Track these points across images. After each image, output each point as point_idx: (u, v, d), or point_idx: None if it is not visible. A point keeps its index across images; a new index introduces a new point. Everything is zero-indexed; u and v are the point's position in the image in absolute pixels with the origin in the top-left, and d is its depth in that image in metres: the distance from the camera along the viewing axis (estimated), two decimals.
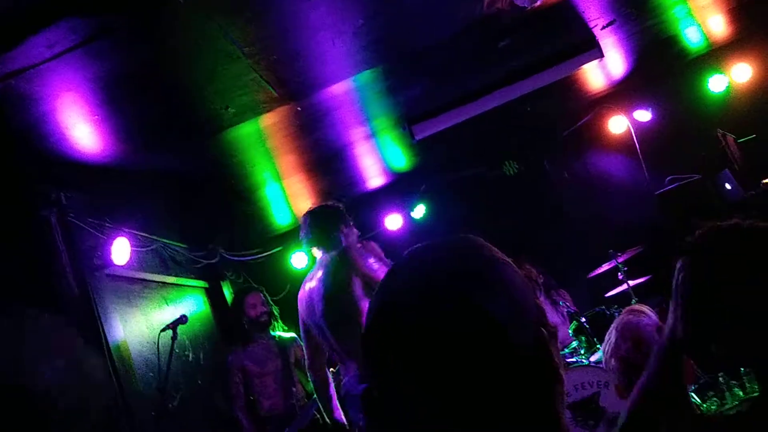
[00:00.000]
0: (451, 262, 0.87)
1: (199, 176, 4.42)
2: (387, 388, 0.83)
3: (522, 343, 0.82)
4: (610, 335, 2.27)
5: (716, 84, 5.77)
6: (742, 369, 3.84)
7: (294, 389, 4.74)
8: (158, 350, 4.02)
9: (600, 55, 4.75)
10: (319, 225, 3.84)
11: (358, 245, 3.75)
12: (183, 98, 3.40)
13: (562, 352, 4.71)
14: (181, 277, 5.03)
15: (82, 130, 3.37)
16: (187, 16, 2.73)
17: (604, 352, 2.31)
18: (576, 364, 4.33)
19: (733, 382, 4.13)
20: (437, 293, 0.82)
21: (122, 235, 3.98)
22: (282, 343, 4.81)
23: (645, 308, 2.40)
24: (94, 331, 3.66)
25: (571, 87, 5.47)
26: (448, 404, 0.79)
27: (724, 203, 5.37)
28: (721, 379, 4.17)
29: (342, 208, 3.96)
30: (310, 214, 3.90)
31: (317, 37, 3.29)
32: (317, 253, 3.86)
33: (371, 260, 3.64)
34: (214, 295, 5.48)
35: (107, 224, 4.07)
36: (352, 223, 3.90)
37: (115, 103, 3.22)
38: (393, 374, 0.82)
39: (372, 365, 0.85)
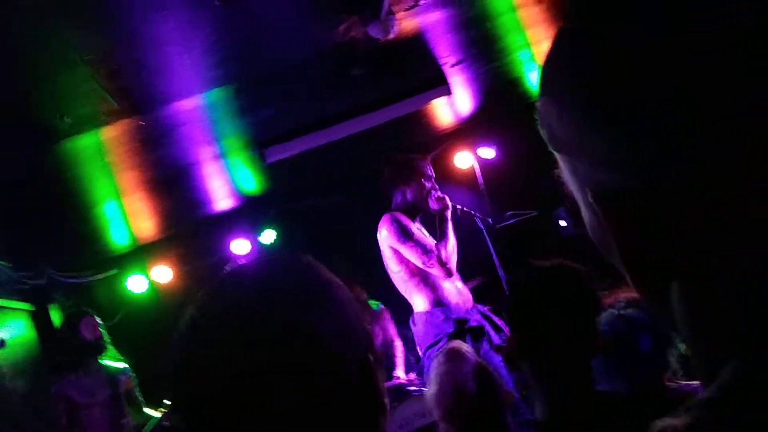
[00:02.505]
0: (279, 280, 0.83)
1: (28, 189, 4.08)
2: (198, 410, 0.77)
3: (348, 366, 0.79)
4: (432, 384, 2.30)
5: None
6: None
7: (123, 421, 4.48)
8: None
9: (448, 92, 4.92)
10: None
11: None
12: (13, 103, 3.12)
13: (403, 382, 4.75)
14: (2, 298, 4.61)
15: None
16: (20, 13, 2.52)
17: (428, 396, 2.34)
18: (416, 393, 4.38)
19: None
20: (263, 309, 0.78)
21: None
22: (112, 373, 4.52)
23: (464, 348, 2.46)
24: None
25: (421, 121, 5.62)
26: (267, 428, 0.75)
27: (559, 239, 5.69)
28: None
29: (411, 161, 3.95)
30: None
31: (165, 50, 3.15)
32: None
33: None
34: (40, 318, 5.06)
35: None
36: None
37: None
38: (207, 391, 0.76)
39: (183, 389, 0.79)
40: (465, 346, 2.44)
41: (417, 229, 3.83)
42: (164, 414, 4.45)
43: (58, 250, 5.23)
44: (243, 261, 0.89)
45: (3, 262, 4.71)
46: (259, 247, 5.96)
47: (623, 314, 2.05)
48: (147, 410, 4.71)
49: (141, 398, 4.73)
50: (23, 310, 4.93)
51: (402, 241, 3.70)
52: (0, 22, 2.57)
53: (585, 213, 0.58)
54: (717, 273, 0.49)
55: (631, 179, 0.50)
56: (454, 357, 2.34)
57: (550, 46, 0.57)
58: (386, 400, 0.85)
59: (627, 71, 0.49)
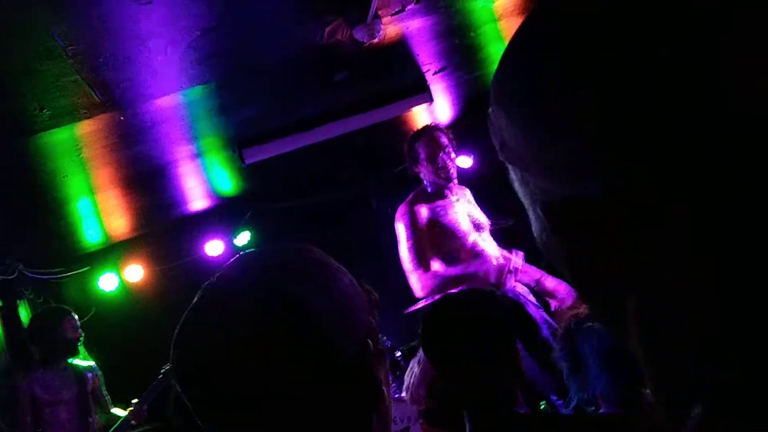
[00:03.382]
0: (284, 262, 0.84)
1: (1, 182, 4.01)
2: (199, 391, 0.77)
3: (345, 350, 0.79)
4: (413, 368, 2.31)
5: None
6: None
7: (90, 420, 4.41)
8: None
9: (430, 99, 4.94)
10: None
11: None
12: None
13: None
14: None
15: None
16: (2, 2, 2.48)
17: (408, 385, 2.35)
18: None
19: None
20: (263, 289, 0.79)
21: None
22: (79, 371, 4.45)
23: None
24: None
25: (401, 128, 5.63)
26: (260, 412, 0.75)
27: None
28: None
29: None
30: None
31: (149, 45, 3.12)
32: None
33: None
34: (7, 314, 4.96)
35: None
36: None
37: None
38: (204, 372, 0.76)
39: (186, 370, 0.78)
40: None
41: (429, 218, 3.78)
42: (131, 412, 4.39)
43: (28, 246, 5.15)
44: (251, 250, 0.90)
45: None
46: (233, 249, 5.91)
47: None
48: (114, 410, 4.65)
49: (108, 397, 4.67)
50: None
51: (402, 239, 3.72)
52: None
53: (534, 226, 0.57)
54: (671, 290, 0.46)
55: (583, 191, 0.48)
56: None
57: (502, 55, 0.56)
58: (386, 390, 0.85)
59: (579, 80, 0.47)
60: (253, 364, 0.75)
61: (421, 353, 2.29)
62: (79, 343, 4.46)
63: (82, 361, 4.55)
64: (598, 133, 0.46)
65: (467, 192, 4.06)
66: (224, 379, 0.75)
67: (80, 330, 4.50)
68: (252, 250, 0.91)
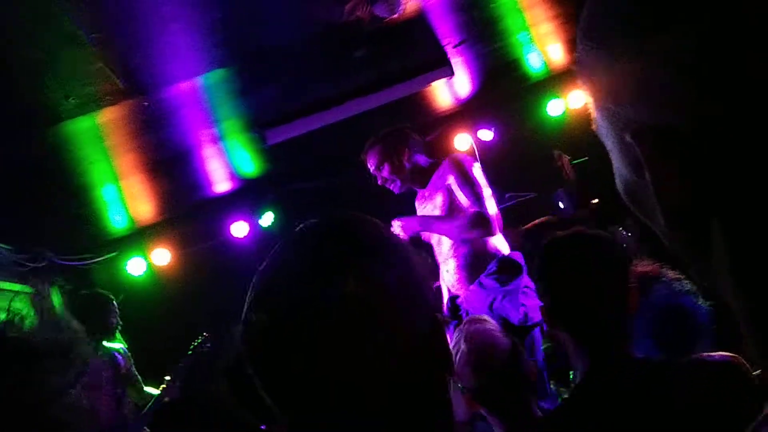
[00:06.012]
0: (344, 237, 0.83)
1: (29, 171, 4.05)
2: (268, 366, 0.77)
3: (417, 321, 0.79)
4: (459, 345, 2.29)
5: (554, 108, 6.12)
6: (571, 375, 4.06)
7: (124, 400, 4.52)
8: None
9: (451, 73, 4.90)
10: None
11: None
12: (17, 82, 3.09)
13: None
14: (2, 281, 4.60)
15: None
16: None
17: (456, 364, 2.33)
18: None
19: (562, 387, 4.35)
20: (327, 264, 0.78)
21: None
22: (111, 353, 4.54)
23: (483, 316, 2.48)
24: None
25: (421, 103, 5.61)
26: (333, 385, 0.75)
27: (559, 219, 5.70)
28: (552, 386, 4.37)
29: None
30: None
31: (169, 29, 3.12)
32: None
33: None
34: (40, 301, 5.04)
35: None
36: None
37: None
38: (277, 351, 0.76)
39: (254, 343, 0.79)
40: (483, 315, 2.45)
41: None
42: (164, 389, 4.48)
43: (57, 233, 5.21)
44: (306, 223, 0.88)
45: (3, 245, 4.68)
46: (258, 230, 5.94)
47: (676, 285, 2.06)
48: (147, 389, 4.75)
49: (139, 377, 4.77)
50: (24, 292, 4.92)
51: (471, 180, 3.84)
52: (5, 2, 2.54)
53: (617, 162, 0.58)
54: (762, 220, 0.48)
55: (677, 119, 0.49)
56: (478, 320, 2.35)
57: None
58: (453, 360, 0.85)
59: (678, 11, 0.48)
60: (330, 346, 0.74)
61: (467, 329, 2.27)
62: (116, 329, 4.56)
63: (112, 344, 4.64)
64: (691, 64, 0.47)
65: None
66: (300, 360, 0.75)
67: (119, 317, 4.61)
68: (311, 221, 0.88)
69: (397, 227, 3.82)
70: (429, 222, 3.82)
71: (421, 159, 4.02)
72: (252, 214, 5.95)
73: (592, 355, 1.62)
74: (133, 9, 2.87)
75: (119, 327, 4.65)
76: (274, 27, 3.53)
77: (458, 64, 4.97)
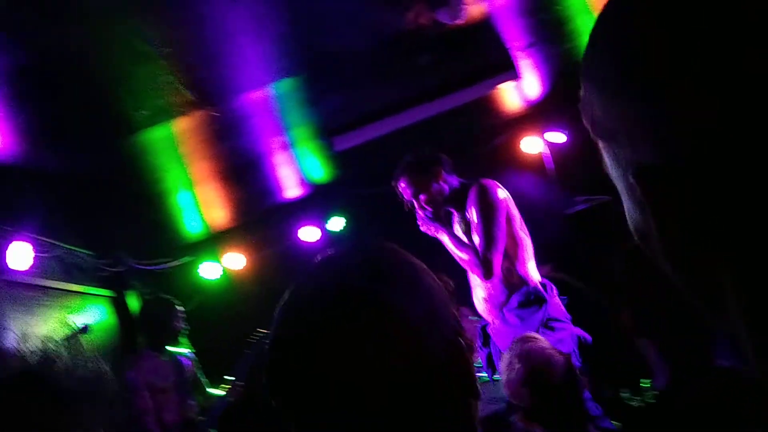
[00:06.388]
0: (364, 264, 0.84)
1: (107, 180, 4.23)
2: (292, 394, 0.79)
3: (436, 347, 0.79)
4: (513, 365, 2.26)
5: None
6: (642, 382, 3.96)
7: (190, 403, 4.62)
8: None
9: (517, 76, 4.85)
10: None
11: None
12: (92, 97, 3.24)
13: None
14: (84, 285, 4.80)
15: None
16: (96, 12, 2.60)
17: (507, 382, 2.29)
18: (484, 378, 4.37)
19: (632, 394, 4.23)
20: (348, 293, 0.80)
21: (21, 239, 3.75)
22: (176, 358, 4.65)
23: (534, 334, 2.44)
24: None
25: (488, 106, 5.57)
26: (355, 415, 0.76)
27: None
28: (626, 395, 4.26)
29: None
30: None
31: (237, 42, 3.21)
32: None
33: None
34: (119, 304, 5.25)
35: (6, 228, 3.84)
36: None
37: (16, 98, 3.04)
38: (299, 379, 0.78)
39: (276, 372, 0.81)
40: (532, 333, 2.43)
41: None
42: (228, 390, 4.55)
43: (135, 239, 5.41)
44: (333, 250, 0.91)
45: (85, 250, 4.89)
46: (327, 235, 6.02)
47: None
48: (210, 390, 4.82)
49: (205, 380, 4.85)
50: (104, 296, 5.12)
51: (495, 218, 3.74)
52: (79, 22, 2.66)
53: (626, 203, 0.56)
54: None
55: (677, 156, 0.47)
56: (531, 338, 2.33)
57: (591, 32, 0.56)
58: (477, 385, 0.85)
59: (674, 39, 0.46)
60: (343, 368, 0.76)
61: (520, 348, 2.25)
62: (182, 334, 4.67)
63: (178, 348, 4.74)
64: (686, 96, 0.45)
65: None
66: (312, 384, 0.77)
67: (185, 322, 4.72)
68: (336, 250, 0.91)
69: (422, 220, 3.81)
70: (451, 241, 3.77)
71: (455, 181, 3.95)
72: (321, 219, 6.03)
73: (676, 365, 1.58)
74: (202, 24, 2.96)
75: (186, 331, 4.75)
76: (339, 35, 3.58)
77: (526, 66, 4.92)
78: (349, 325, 0.77)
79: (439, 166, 3.86)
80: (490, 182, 3.80)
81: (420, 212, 3.84)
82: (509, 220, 3.70)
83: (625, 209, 0.57)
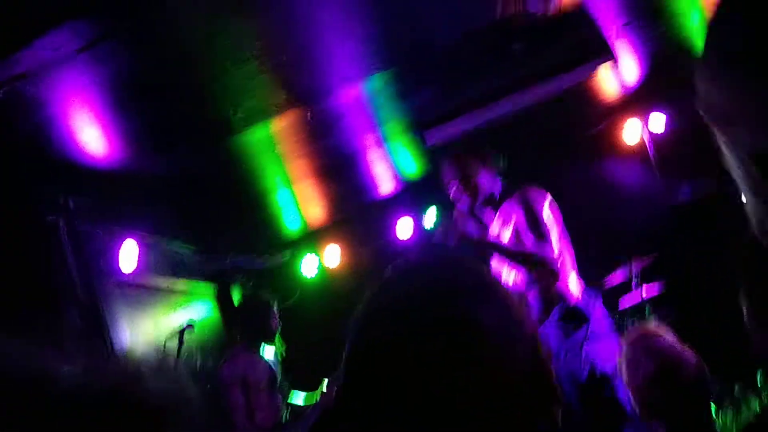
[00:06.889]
0: (443, 279, 0.86)
1: (208, 180, 4.39)
2: (374, 406, 0.79)
3: (518, 358, 0.80)
4: (638, 361, 2.15)
5: None
6: (759, 378, 3.77)
7: (278, 403, 4.59)
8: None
9: (614, 60, 4.69)
10: None
11: None
12: (190, 101, 3.36)
13: None
14: (190, 281, 4.99)
15: (89, 133, 3.35)
16: (189, 19, 2.70)
17: (632, 379, 2.18)
18: None
19: (749, 390, 4.03)
20: (431, 308, 0.81)
21: (131, 240, 3.94)
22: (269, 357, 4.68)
23: (656, 327, 2.30)
24: (100, 340, 3.62)
25: (584, 94, 5.40)
26: (444, 423, 0.76)
27: (739, 213, 5.27)
28: (737, 388, 4.07)
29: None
30: None
31: (327, 40, 3.25)
32: None
33: None
34: (223, 300, 5.44)
35: (116, 229, 4.04)
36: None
37: (121, 106, 3.20)
38: (385, 393, 0.78)
39: (359, 384, 0.81)
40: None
41: None
42: (322, 394, 4.47)
43: (237, 236, 5.58)
44: (409, 257, 0.92)
45: (190, 248, 5.08)
46: (421, 230, 6.00)
47: None
48: (296, 392, 4.80)
49: (287, 383, 4.80)
50: (208, 292, 5.31)
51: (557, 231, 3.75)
52: (172, 28, 2.77)
53: (744, 190, 0.52)
54: None
55: None
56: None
57: (710, 19, 0.53)
58: (559, 392, 0.85)
59: None
60: (430, 381, 0.76)
61: (643, 345, 2.14)
62: (276, 332, 4.69)
63: (271, 348, 4.75)
64: None
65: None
66: (399, 396, 0.77)
67: (279, 320, 4.74)
68: (411, 262, 0.93)
69: (457, 216, 3.77)
70: (497, 249, 3.68)
71: (494, 185, 3.86)
72: (416, 214, 6.01)
73: None
74: (291, 22, 3.01)
75: (278, 330, 4.75)
76: (429, 31, 3.57)
77: (623, 50, 4.74)
78: (434, 340, 0.78)
79: (480, 159, 3.84)
80: (537, 189, 3.78)
81: (459, 204, 3.84)
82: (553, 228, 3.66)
83: (744, 197, 0.54)
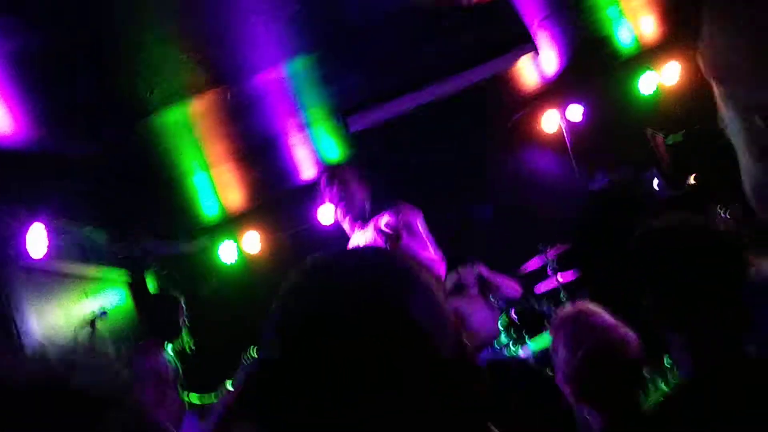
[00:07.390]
0: (369, 271, 0.87)
1: (122, 163, 4.21)
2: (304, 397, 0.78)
3: (446, 347, 0.82)
4: (579, 339, 2.07)
5: (646, 85, 5.87)
6: (666, 360, 3.93)
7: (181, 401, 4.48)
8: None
9: (535, 51, 4.77)
10: None
11: None
12: (104, 80, 3.20)
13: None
14: (102, 267, 4.80)
15: None
16: None
17: (567, 360, 2.08)
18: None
19: (656, 374, 4.19)
20: (360, 301, 0.81)
21: (38, 224, 3.75)
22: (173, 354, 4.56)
23: (592, 306, 2.23)
24: (6, 329, 3.44)
25: (506, 83, 5.49)
26: (373, 416, 0.77)
27: (652, 201, 5.48)
28: (645, 370, 4.22)
29: None
30: None
31: (250, 20, 3.15)
32: None
33: None
34: (137, 288, 5.26)
35: (22, 212, 3.84)
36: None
37: (28, 83, 3.01)
38: (313, 382, 0.79)
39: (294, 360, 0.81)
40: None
41: None
42: (220, 396, 4.40)
43: (151, 221, 5.40)
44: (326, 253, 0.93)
45: (102, 234, 4.88)
46: None
47: None
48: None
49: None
50: (121, 280, 5.13)
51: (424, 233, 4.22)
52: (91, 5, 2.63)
53: (741, 150, 0.52)
54: None
55: None
56: (592, 312, 2.15)
57: None
58: (486, 377, 0.87)
59: None
60: (353, 362, 0.76)
61: (583, 321, 2.08)
62: (183, 331, 4.60)
63: (172, 346, 4.63)
64: None
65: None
66: (323, 371, 0.77)
67: (186, 318, 4.66)
68: (331, 254, 0.93)
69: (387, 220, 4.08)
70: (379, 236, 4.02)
71: (366, 199, 4.38)
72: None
73: (702, 357, 1.49)
74: (214, 2, 2.91)
75: (186, 329, 4.65)
76: (354, 15, 3.52)
77: (543, 41, 4.83)
78: (364, 331, 0.78)
79: (358, 175, 4.40)
80: (411, 206, 4.25)
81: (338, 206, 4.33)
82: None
83: (740, 158, 0.52)
